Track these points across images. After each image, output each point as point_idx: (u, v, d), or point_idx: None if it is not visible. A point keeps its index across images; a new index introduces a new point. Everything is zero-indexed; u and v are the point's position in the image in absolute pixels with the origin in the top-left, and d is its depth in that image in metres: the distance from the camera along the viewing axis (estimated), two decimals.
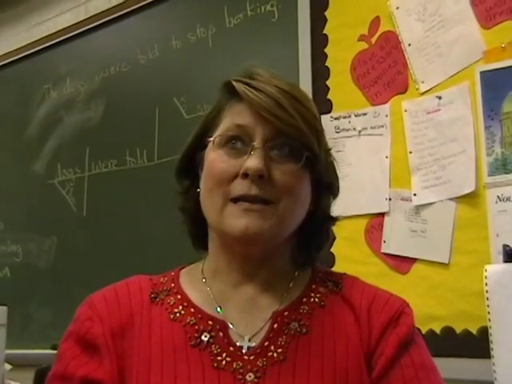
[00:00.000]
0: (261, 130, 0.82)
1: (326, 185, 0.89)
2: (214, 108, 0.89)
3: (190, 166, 0.91)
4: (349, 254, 1.73)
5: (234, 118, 0.84)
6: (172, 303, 0.86)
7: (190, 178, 0.91)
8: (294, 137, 0.82)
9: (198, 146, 0.89)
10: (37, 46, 2.92)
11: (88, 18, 2.70)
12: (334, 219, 0.93)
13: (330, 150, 0.91)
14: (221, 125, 0.86)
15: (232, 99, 0.86)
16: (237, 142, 0.83)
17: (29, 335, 2.58)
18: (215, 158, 0.84)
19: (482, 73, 1.58)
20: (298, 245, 0.91)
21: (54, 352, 0.87)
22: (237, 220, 0.80)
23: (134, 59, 2.51)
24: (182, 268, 0.94)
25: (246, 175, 0.80)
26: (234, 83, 0.84)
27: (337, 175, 0.92)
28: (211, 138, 0.85)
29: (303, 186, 0.85)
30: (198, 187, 0.88)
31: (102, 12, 2.64)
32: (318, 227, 0.90)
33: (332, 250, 1.72)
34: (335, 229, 0.94)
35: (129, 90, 2.53)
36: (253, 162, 0.80)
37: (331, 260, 1.73)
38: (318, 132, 0.86)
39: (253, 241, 0.81)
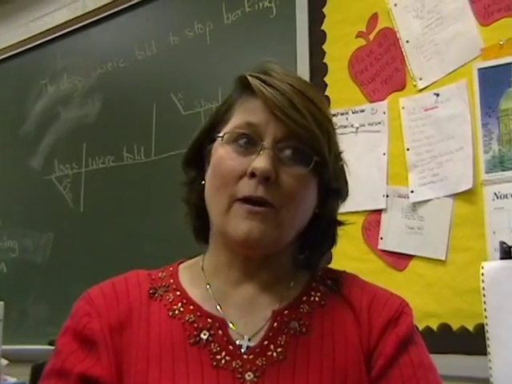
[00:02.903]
0: (272, 129, 0.80)
1: (333, 190, 0.88)
2: (225, 101, 0.88)
3: (197, 158, 0.89)
4: (346, 251, 1.72)
5: (246, 114, 0.83)
6: (171, 300, 0.85)
7: (197, 169, 0.90)
8: (305, 140, 0.80)
9: (207, 138, 0.88)
10: (34, 41, 2.91)
11: (85, 14, 2.69)
12: (340, 223, 0.92)
13: (340, 153, 0.90)
14: (231, 120, 0.84)
15: (244, 94, 0.85)
16: (246, 139, 0.82)
17: (25, 331, 2.58)
18: (223, 155, 0.82)
19: (479, 70, 1.58)
20: (301, 247, 0.90)
21: (51, 348, 0.86)
22: (240, 223, 0.79)
23: (132, 55, 2.51)
24: (181, 262, 0.92)
25: (253, 175, 0.79)
26: (249, 78, 0.83)
27: (346, 180, 0.91)
28: (220, 134, 0.84)
29: (309, 191, 0.83)
30: (203, 179, 0.87)
31: (99, 7, 2.64)
32: (323, 231, 0.90)
33: None
34: None
35: (126, 86, 2.52)
36: (261, 162, 0.78)
37: (328, 257, 1.73)
38: (330, 135, 0.85)
39: (254, 246, 0.80)
